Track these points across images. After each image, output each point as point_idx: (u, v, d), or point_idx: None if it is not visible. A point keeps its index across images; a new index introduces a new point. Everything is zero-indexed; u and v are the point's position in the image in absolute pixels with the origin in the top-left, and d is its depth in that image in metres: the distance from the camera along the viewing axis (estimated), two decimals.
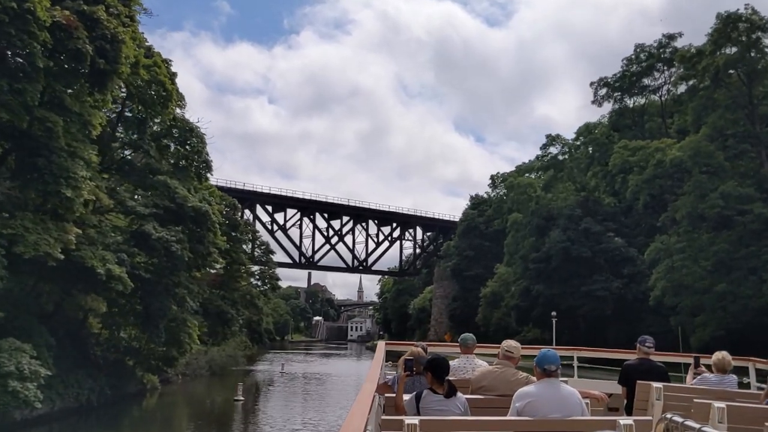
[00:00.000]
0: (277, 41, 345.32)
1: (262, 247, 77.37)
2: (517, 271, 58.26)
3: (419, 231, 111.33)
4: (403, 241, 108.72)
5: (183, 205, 30.37)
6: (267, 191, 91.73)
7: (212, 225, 30.78)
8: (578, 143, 54.70)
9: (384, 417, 4.34)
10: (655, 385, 5.86)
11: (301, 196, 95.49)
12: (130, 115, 30.74)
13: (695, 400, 5.14)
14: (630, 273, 52.30)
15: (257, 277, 74.46)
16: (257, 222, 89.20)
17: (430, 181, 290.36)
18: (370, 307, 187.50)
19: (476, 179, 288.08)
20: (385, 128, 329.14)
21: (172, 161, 35.51)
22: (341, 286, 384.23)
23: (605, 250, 52.31)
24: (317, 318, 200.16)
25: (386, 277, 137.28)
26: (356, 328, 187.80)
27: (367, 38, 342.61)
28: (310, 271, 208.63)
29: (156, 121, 30.14)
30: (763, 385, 6.65)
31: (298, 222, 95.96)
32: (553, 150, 55.12)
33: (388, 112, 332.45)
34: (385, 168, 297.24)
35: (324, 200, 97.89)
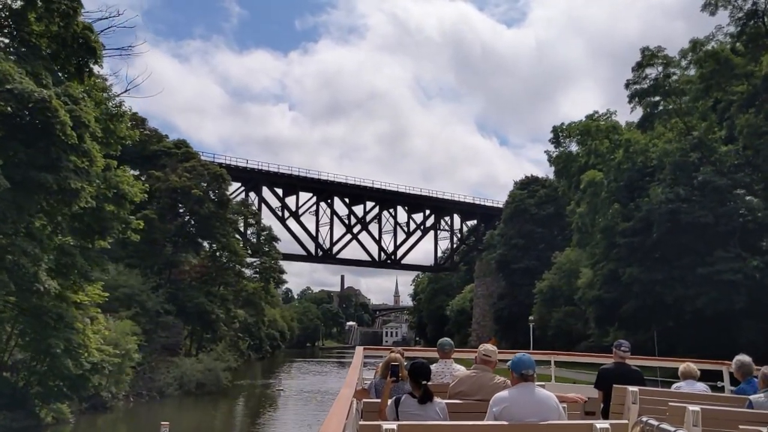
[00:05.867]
0: (291, 47, 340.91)
1: (264, 233, 63.08)
2: (596, 251, 41.76)
3: (457, 219, 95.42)
4: (439, 231, 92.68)
5: (17, 95, 15.59)
6: (275, 170, 76.96)
7: (63, 131, 15.94)
8: (685, 63, 37.54)
9: (362, 422, 4.35)
10: (631, 388, 5.82)
11: (316, 176, 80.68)
12: None
13: (670, 403, 5.03)
14: None
15: (256, 269, 60.20)
16: (264, 206, 74.90)
17: (455, 184, 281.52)
18: (406, 312, 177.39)
19: (502, 182, 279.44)
20: (406, 131, 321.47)
21: (44, 50, 21.02)
22: (376, 291, 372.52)
23: (733, 213, 35.58)
24: (351, 323, 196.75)
25: (421, 275, 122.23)
26: (391, 333, 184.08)
27: (382, 41, 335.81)
28: (343, 274, 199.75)
29: None
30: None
31: (314, 207, 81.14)
32: (652, 72, 37.83)
33: (409, 115, 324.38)
34: (408, 171, 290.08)
35: (344, 181, 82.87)
